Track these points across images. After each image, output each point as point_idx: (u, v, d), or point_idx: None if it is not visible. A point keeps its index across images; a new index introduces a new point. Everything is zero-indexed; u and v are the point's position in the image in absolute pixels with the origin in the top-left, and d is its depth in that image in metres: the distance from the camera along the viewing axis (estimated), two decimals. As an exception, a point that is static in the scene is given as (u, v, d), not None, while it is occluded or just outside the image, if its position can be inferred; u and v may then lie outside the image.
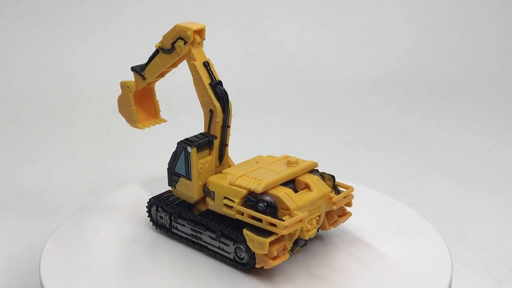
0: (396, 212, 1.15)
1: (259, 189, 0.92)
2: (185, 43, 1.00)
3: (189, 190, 1.00)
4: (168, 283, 0.95)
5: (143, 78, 1.09)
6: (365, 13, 2.33)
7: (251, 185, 0.93)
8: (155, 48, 1.06)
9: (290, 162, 0.99)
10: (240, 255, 0.95)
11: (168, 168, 1.02)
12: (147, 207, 1.07)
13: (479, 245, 1.31)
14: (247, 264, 0.94)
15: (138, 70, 1.09)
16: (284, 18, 2.28)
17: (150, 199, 1.06)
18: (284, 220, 0.89)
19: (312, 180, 0.97)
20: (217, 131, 1.01)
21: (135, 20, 2.19)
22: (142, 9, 2.21)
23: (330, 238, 1.05)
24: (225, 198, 0.94)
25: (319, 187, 0.97)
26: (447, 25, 2.35)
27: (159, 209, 1.05)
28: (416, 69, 2.21)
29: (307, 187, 0.97)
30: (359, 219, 1.11)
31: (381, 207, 1.17)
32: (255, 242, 0.90)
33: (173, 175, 1.02)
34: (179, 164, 1.00)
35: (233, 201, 0.93)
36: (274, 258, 0.92)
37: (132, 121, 1.13)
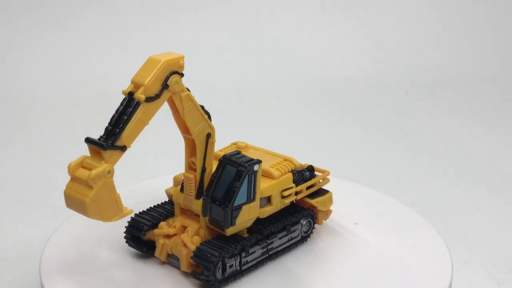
0: (396, 212, 1.15)
1: (298, 164, 1.02)
2: (182, 76, 0.86)
3: (253, 212, 0.94)
4: (166, 280, 0.95)
5: (124, 149, 0.86)
6: (365, 13, 2.33)
7: (290, 167, 1.01)
8: (131, 105, 0.84)
9: (240, 147, 1.06)
10: (307, 229, 1.03)
11: (227, 210, 0.90)
12: (209, 275, 0.89)
13: (479, 245, 1.31)
14: (310, 233, 1.04)
15: (111, 144, 0.85)
16: (284, 18, 2.28)
17: (210, 265, 0.89)
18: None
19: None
20: (213, 151, 0.95)
21: (135, 20, 2.19)
22: (142, 9, 2.20)
23: (328, 237, 1.05)
24: (283, 191, 0.99)
25: None
26: (447, 25, 2.35)
27: (227, 260, 0.91)
28: (416, 69, 2.21)
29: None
30: (359, 219, 1.11)
31: (381, 207, 1.17)
32: (326, 201, 1.03)
33: (233, 212, 0.91)
34: (240, 194, 0.91)
35: (291, 187, 0.99)
36: None
37: (118, 212, 0.89)
